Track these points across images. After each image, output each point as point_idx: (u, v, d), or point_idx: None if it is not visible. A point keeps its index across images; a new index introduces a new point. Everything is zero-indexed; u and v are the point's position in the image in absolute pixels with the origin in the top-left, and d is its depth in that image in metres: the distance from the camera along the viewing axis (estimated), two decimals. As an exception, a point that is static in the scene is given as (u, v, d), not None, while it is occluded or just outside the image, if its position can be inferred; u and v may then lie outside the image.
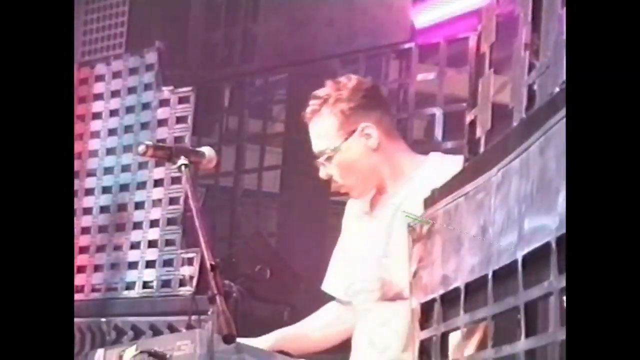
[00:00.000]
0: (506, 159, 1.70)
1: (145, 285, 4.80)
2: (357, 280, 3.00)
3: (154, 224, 4.84)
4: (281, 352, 2.77)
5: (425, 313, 2.01)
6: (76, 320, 4.45)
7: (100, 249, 5.00)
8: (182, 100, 4.90)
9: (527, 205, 1.60)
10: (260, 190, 5.57)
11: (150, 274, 4.79)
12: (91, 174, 5.09)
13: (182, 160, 2.76)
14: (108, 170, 5.06)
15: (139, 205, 4.92)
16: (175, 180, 4.77)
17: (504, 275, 1.67)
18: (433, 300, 1.96)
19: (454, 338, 1.89)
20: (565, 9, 1.56)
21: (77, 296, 4.75)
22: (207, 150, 2.86)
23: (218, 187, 5.52)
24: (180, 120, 4.87)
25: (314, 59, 5.08)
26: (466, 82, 4.54)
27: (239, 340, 2.45)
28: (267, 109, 5.73)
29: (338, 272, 3.12)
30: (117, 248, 4.95)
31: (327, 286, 3.15)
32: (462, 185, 1.89)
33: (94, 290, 4.97)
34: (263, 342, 2.95)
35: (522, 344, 1.59)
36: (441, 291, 1.93)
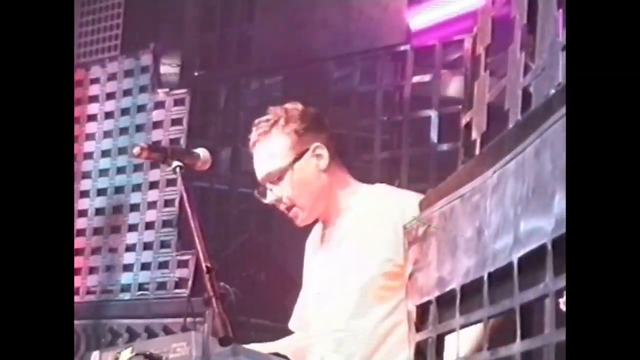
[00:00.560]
0: (502, 161, 1.69)
1: (141, 287, 4.80)
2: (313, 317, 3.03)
3: (149, 226, 4.85)
4: (278, 354, 2.76)
5: (421, 315, 2.01)
6: (71, 322, 4.45)
7: (96, 251, 5.01)
8: (177, 102, 4.91)
9: (522, 207, 1.60)
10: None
11: (145, 276, 4.79)
12: (86, 176, 5.10)
13: (177, 162, 2.76)
14: (103, 173, 5.07)
15: (134, 208, 4.93)
16: (171, 183, 4.78)
17: (499, 277, 1.67)
18: (429, 302, 1.96)
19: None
20: (561, 11, 1.56)
21: (73, 298, 4.75)
22: (202, 152, 2.86)
23: (213, 189, 5.51)
24: (175, 122, 4.88)
25: (309, 61, 5.08)
26: (462, 84, 4.55)
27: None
28: (263, 111, 5.70)
29: (298, 309, 3.16)
30: (113, 250, 4.95)
31: (291, 324, 3.18)
32: (457, 187, 1.89)
33: (89, 292, 4.97)
34: (263, 348, 2.93)
35: (518, 346, 1.59)
36: (437, 293, 1.93)
